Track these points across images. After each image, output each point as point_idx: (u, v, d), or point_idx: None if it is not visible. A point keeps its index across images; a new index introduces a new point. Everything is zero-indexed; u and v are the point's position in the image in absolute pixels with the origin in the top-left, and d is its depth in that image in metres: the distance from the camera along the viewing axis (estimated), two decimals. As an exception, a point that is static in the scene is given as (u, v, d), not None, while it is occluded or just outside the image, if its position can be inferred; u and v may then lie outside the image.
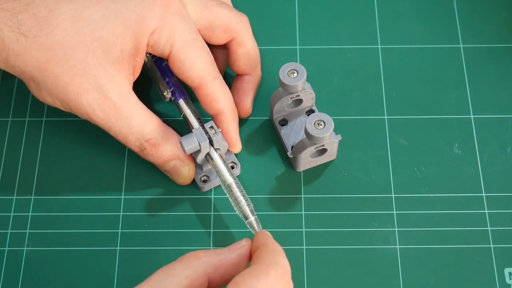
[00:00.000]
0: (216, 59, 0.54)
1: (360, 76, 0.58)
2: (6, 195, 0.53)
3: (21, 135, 0.56)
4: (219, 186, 0.53)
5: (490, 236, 0.51)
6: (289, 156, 0.53)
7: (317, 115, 0.49)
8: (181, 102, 0.53)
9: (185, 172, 0.52)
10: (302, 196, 0.53)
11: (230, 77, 0.57)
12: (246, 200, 0.49)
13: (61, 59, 0.47)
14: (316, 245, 0.51)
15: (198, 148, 0.50)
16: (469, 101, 0.57)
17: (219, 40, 0.54)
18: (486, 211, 0.52)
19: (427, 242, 0.51)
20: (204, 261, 0.41)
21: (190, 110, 0.52)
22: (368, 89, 0.57)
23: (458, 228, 0.52)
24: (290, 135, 0.55)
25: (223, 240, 0.51)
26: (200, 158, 0.51)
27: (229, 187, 0.49)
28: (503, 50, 0.59)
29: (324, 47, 0.59)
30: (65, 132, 0.56)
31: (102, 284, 0.50)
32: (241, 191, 0.49)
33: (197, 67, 0.50)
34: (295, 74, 0.51)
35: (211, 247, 0.51)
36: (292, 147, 0.54)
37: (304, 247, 0.51)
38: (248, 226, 0.48)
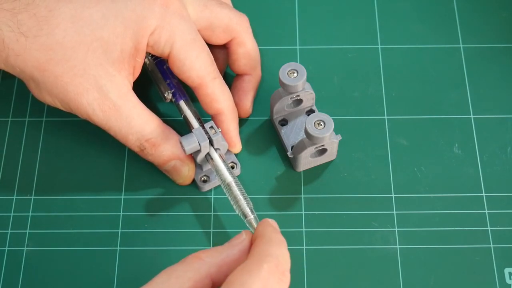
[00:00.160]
0: (216, 59, 0.54)
1: (360, 76, 0.58)
2: (6, 195, 0.53)
3: (21, 135, 0.56)
4: (219, 186, 0.53)
5: (490, 236, 0.51)
6: (289, 156, 0.53)
7: (317, 115, 0.49)
8: (182, 103, 0.53)
9: (185, 172, 0.52)
10: (302, 196, 0.53)
11: (230, 77, 0.57)
12: (245, 199, 0.49)
13: (61, 59, 0.47)
14: (316, 245, 0.51)
15: (198, 148, 0.50)
16: (469, 101, 0.57)
17: (219, 40, 0.54)
18: (486, 211, 0.52)
19: (427, 242, 0.51)
20: (206, 261, 0.40)
21: (191, 111, 0.52)
22: (368, 89, 0.57)
23: (458, 228, 0.52)
24: (290, 135, 0.55)
25: (223, 240, 0.51)
26: (200, 158, 0.51)
27: (228, 186, 0.49)
28: (503, 50, 0.59)
29: (324, 47, 0.59)
30: (65, 132, 0.56)
31: (102, 284, 0.50)
32: (240, 190, 0.49)
33: (197, 67, 0.50)
34: (295, 74, 0.51)
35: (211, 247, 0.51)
36: (292, 147, 0.54)
37: (304, 247, 0.51)
38: (247, 224, 0.48)
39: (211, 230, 0.52)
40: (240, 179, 0.52)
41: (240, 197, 0.49)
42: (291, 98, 0.53)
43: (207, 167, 0.53)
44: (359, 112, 0.56)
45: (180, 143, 0.50)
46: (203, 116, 0.54)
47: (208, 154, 0.51)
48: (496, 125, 0.56)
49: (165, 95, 0.53)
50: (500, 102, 0.57)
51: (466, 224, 0.52)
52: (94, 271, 0.51)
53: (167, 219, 0.52)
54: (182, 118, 0.53)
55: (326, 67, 0.58)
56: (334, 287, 0.50)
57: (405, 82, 0.58)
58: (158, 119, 0.51)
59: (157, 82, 0.54)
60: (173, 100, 0.53)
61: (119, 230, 0.52)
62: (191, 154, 0.52)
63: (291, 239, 0.51)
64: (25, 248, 0.51)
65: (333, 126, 0.49)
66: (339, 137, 0.52)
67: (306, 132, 0.49)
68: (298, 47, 0.59)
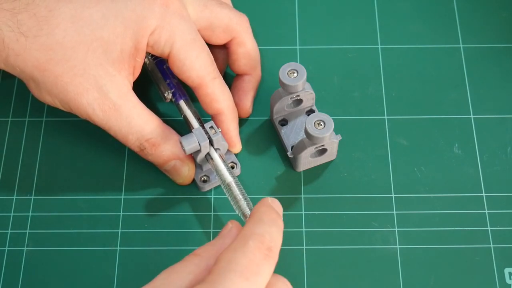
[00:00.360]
0: (216, 59, 0.54)
1: (360, 76, 0.58)
2: (6, 195, 0.53)
3: (21, 135, 0.56)
4: (219, 186, 0.53)
5: (490, 236, 0.51)
6: (289, 156, 0.53)
7: (317, 115, 0.49)
8: (182, 103, 0.53)
9: (185, 172, 0.52)
10: (302, 196, 0.53)
11: (230, 77, 0.57)
12: (245, 199, 0.49)
13: (61, 59, 0.47)
14: (316, 245, 0.51)
15: (198, 148, 0.50)
16: (469, 101, 0.57)
17: (219, 40, 0.54)
18: (486, 211, 0.52)
19: (427, 242, 0.51)
20: (203, 256, 0.41)
21: (191, 111, 0.52)
22: (368, 89, 0.57)
23: (458, 228, 0.52)
24: (290, 135, 0.55)
25: (223, 240, 0.52)
26: (200, 158, 0.51)
27: (228, 186, 0.49)
28: (503, 50, 0.59)
29: (324, 47, 0.59)
30: (65, 132, 0.56)
31: (102, 284, 0.50)
32: (240, 190, 0.49)
33: (197, 67, 0.50)
34: (295, 74, 0.51)
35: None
36: (292, 147, 0.54)
37: (304, 247, 0.51)
38: (248, 225, 0.48)
39: (211, 230, 0.52)
40: (240, 179, 0.52)
41: (240, 197, 0.49)
42: (291, 98, 0.53)
43: (207, 167, 0.53)
44: (359, 112, 0.56)
45: (180, 143, 0.50)
46: (203, 116, 0.54)
47: (208, 154, 0.51)
48: (496, 125, 0.56)
49: (165, 95, 0.53)
50: (500, 102, 0.57)
51: (466, 224, 0.52)
52: (94, 271, 0.51)
53: (167, 219, 0.52)
54: (182, 118, 0.53)
55: (326, 67, 0.58)
56: (334, 287, 0.50)
57: (405, 82, 0.58)
58: (158, 119, 0.51)
59: (157, 82, 0.54)
60: (173, 100, 0.53)
61: (119, 230, 0.52)
62: (191, 154, 0.52)
63: (291, 239, 0.51)
64: (25, 248, 0.51)
65: (333, 126, 0.49)
66: (339, 137, 0.52)
67: (306, 132, 0.49)
68: (298, 47, 0.59)
